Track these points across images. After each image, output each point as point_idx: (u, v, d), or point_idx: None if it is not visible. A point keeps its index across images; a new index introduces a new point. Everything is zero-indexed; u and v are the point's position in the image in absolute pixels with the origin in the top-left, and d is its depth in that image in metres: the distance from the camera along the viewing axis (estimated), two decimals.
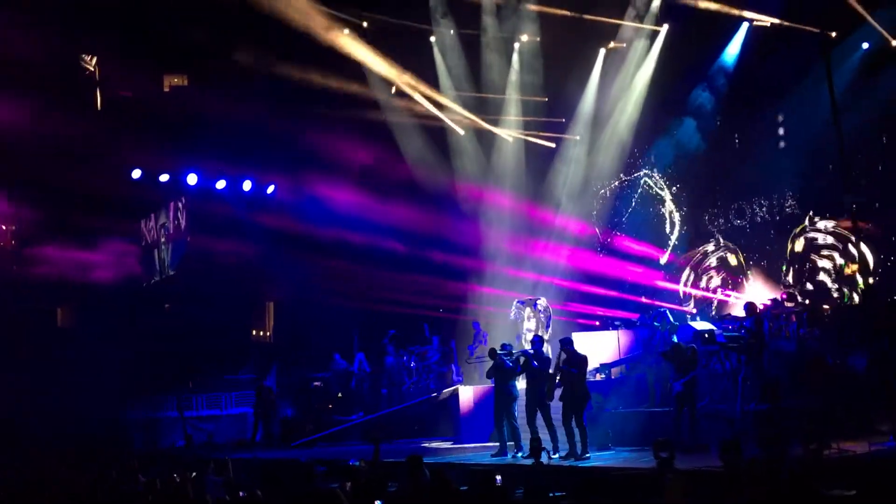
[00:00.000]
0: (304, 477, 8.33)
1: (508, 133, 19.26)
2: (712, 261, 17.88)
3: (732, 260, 17.16)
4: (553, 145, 19.22)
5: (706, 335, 13.45)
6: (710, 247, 17.64)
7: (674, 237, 18.40)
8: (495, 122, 19.29)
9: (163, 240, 21.15)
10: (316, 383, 19.42)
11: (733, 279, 17.61)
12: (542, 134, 19.07)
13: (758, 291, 15.85)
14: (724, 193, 17.58)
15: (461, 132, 19.51)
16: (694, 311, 15.97)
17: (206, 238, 19.89)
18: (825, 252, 16.15)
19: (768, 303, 13.91)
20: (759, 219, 16.85)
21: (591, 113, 18.75)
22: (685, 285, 18.38)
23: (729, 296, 15.23)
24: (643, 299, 18.57)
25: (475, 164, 19.42)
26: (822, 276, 16.05)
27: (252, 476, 10.26)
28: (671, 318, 14.91)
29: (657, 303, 17.74)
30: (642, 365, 14.83)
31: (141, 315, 19.58)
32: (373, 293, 20.09)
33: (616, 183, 19.23)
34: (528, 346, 13.41)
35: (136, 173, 19.91)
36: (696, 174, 17.70)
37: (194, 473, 9.71)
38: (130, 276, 20.50)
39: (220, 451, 15.03)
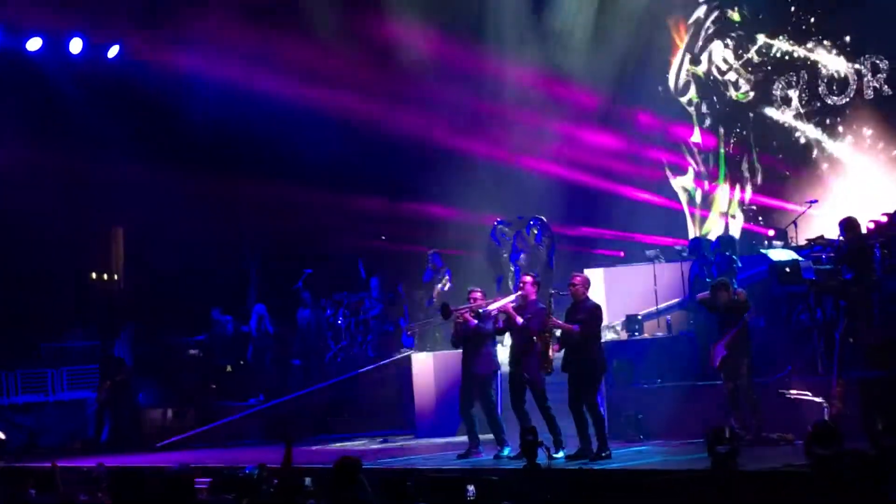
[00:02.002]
0: (177, 492, 8.19)
1: None
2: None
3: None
4: None
5: (787, 270, 13.51)
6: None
7: None
8: None
9: None
10: (191, 351, 19.55)
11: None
12: None
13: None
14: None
15: None
16: (770, 232, 15.98)
17: (10, 130, 19.48)
18: None
19: (882, 219, 13.87)
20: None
21: None
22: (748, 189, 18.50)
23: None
24: (695, 213, 18.80)
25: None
26: None
27: (97, 491, 10.21)
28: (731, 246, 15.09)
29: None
30: (691, 317, 14.97)
31: None
32: (281, 216, 20.34)
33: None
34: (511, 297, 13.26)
35: None
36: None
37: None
38: None
39: (47, 456, 15.13)
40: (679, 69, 19.18)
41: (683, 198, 19.27)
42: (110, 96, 20.49)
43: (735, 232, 17.83)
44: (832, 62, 17.10)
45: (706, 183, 18.97)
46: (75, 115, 20.58)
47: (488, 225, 17.95)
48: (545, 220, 17.34)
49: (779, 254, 14.22)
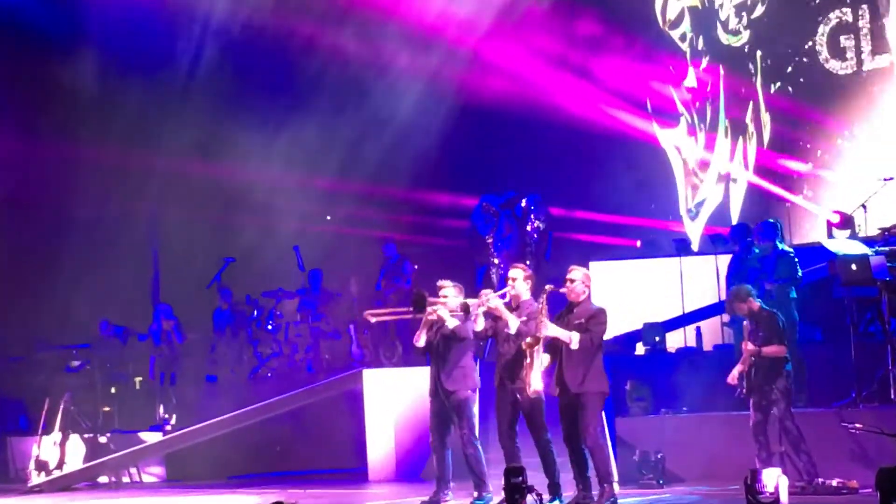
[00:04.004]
0: None
1: None
2: None
3: None
4: None
5: (853, 267, 13.47)
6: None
7: None
8: None
9: None
10: (73, 364, 19.50)
11: None
12: None
13: None
14: None
15: None
16: (835, 218, 16.02)
17: None
18: None
19: None
20: None
21: None
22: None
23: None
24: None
25: None
26: None
27: None
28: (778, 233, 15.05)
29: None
30: (729, 326, 15.05)
31: None
32: (191, 189, 20.45)
33: None
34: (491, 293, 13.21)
35: None
36: None
37: None
38: None
39: None
40: None
41: (675, 159, 19.43)
42: None
43: (737, 200, 17.97)
44: None
45: (701, 136, 19.13)
46: None
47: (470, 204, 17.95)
48: (540, 199, 17.34)
49: (843, 245, 14.22)
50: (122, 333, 20.00)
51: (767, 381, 12.60)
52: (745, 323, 12.96)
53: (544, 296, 12.27)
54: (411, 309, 13.15)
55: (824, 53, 17.82)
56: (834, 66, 17.78)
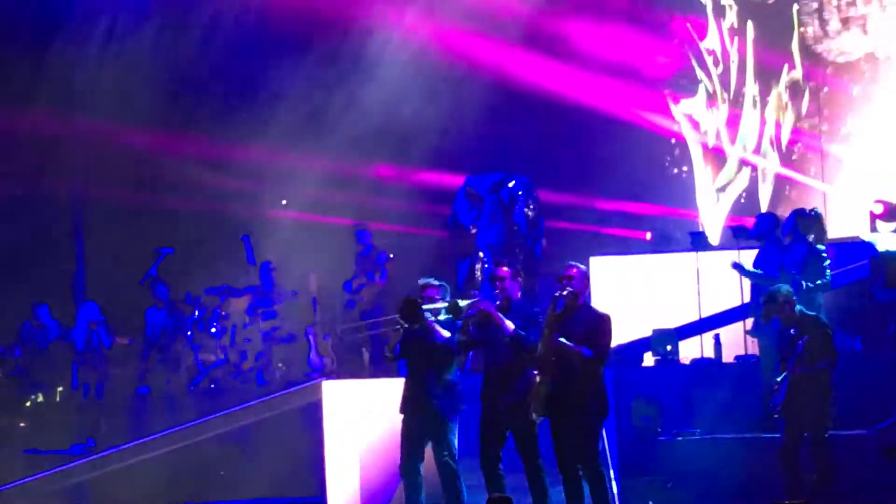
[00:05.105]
0: None
1: None
2: None
3: None
4: None
5: None
6: None
7: None
8: None
9: None
10: None
11: None
12: None
13: None
14: None
15: None
16: (878, 208, 16.07)
17: None
18: None
19: None
20: None
21: None
22: None
23: None
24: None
25: None
26: None
27: None
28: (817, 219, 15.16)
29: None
30: (755, 334, 15.02)
31: None
32: (124, 165, 20.42)
33: None
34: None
35: None
36: None
37: None
38: None
39: None
40: None
41: (691, 135, 19.44)
42: None
43: (767, 185, 18.00)
44: None
45: (724, 108, 19.11)
46: None
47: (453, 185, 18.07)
48: (529, 181, 17.35)
49: (887, 240, 14.50)
50: (54, 328, 20.02)
51: (805, 400, 12.60)
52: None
53: (554, 304, 12.32)
54: (400, 317, 13.01)
55: None
56: None
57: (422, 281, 13.26)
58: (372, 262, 18.93)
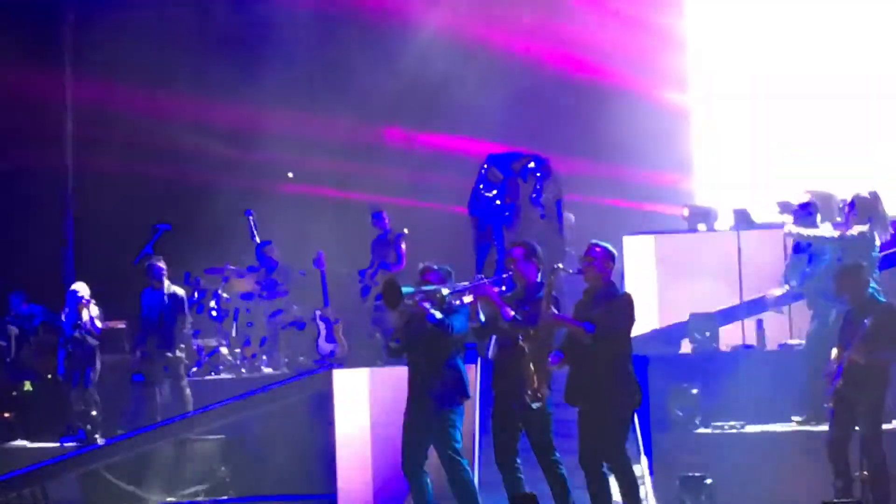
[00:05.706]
0: None
1: None
2: None
3: None
4: None
5: None
6: None
7: None
8: None
9: None
10: None
11: None
12: None
13: None
14: None
15: None
16: None
17: None
18: None
19: None
20: None
21: None
22: None
23: None
24: None
25: None
26: None
27: None
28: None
29: None
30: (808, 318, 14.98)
31: None
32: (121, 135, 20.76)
33: None
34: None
35: None
36: None
37: None
38: None
39: None
40: None
41: None
42: None
43: None
44: None
45: None
46: None
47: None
48: (547, 162, 17.43)
49: None
50: (38, 314, 20.18)
51: (858, 389, 12.56)
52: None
53: (552, 277, 12.43)
54: (382, 301, 13.34)
55: None
56: None
57: (422, 265, 13.37)
58: (387, 247, 18.97)
